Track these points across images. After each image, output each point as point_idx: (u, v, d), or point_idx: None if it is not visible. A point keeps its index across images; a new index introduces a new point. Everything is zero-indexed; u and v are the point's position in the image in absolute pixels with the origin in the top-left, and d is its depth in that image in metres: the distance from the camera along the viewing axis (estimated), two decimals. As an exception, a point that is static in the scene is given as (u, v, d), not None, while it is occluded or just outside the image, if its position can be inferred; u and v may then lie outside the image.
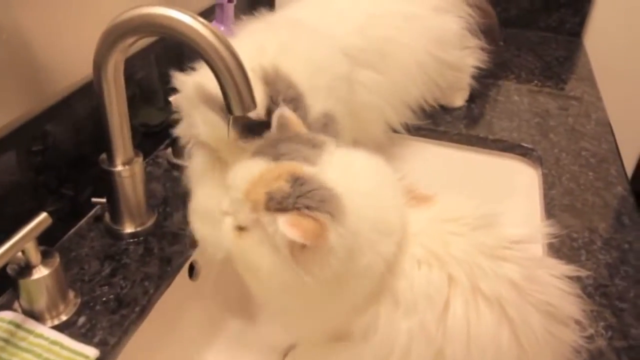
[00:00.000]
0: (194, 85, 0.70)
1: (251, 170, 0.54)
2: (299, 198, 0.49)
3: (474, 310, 0.51)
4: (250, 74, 0.61)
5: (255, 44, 0.72)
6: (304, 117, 0.68)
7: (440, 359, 0.52)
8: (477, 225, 0.54)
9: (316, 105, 0.71)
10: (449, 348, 0.51)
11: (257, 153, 0.56)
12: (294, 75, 0.70)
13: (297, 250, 0.50)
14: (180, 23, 0.58)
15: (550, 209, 0.84)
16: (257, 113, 0.66)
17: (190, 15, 0.58)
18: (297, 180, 0.50)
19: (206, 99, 0.68)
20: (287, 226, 0.48)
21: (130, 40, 0.62)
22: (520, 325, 0.51)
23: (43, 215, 0.60)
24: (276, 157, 0.54)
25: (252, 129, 0.67)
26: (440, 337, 0.52)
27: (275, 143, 0.57)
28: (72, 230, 0.75)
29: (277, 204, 0.50)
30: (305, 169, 0.52)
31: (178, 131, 0.75)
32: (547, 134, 1.02)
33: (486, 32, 1.09)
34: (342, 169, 0.54)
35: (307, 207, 0.49)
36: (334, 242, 0.49)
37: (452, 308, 0.51)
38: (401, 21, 0.93)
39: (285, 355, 0.80)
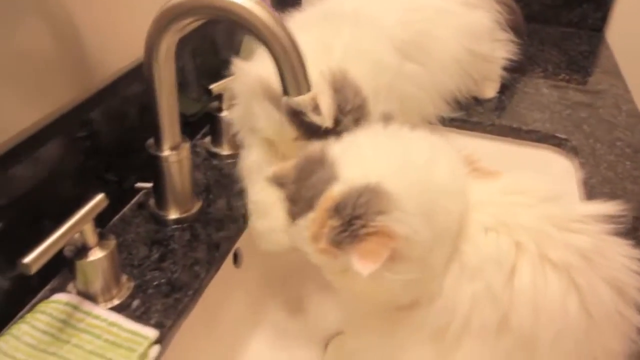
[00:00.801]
0: (257, 78, 0.69)
1: (302, 234, 0.54)
2: (350, 225, 0.50)
3: (541, 277, 0.51)
4: (320, 79, 0.61)
5: (319, 43, 0.71)
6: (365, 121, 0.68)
7: (504, 326, 0.52)
8: (546, 198, 0.55)
9: (377, 108, 0.71)
10: (514, 315, 0.52)
11: (294, 215, 0.55)
12: (360, 79, 0.70)
13: (386, 265, 0.50)
14: (236, 5, 0.58)
15: (592, 197, 0.84)
16: (325, 122, 0.66)
17: (248, -3, 0.58)
18: (336, 210, 0.51)
19: (272, 96, 0.68)
20: (360, 266, 0.48)
21: (184, 22, 0.62)
22: (590, 296, 0.51)
23: (100, 196, 0.60)
24: (310, 205, 0.53)
25: (315, 130, 0.67)
26: (506, 303, 0.52)
27: (297, 193, 0.55)
28: (117, 217, 0.76)
29: (340, 242, 0.50)
30: (335, 191, 0.52)
31: (233, 116, 0.75)
32: (580, 125, 1.03)
33: (512, 28, 1.10)
34: (363, 161, 0.54)
35: (363, 227, 0.49)
36: (402, 228, 0.49)
37: (519, 274, 0.52)
38: (435, 14, 0.94)
39: (327, 343, 0.80)
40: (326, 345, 0.81)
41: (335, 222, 0.50)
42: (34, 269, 0.52)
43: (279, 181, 0.58)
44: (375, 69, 0.73)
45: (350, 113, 0.67)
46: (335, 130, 0.66)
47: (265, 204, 0.70)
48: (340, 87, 0.68)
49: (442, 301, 0.54)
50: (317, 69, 0.61)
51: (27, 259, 0.52)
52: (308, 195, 0.53)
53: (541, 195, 0.55)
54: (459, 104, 1.02)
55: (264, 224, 0.71)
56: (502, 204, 0.55)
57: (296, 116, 0.67)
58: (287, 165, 0.57)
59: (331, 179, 0.53)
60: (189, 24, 0.62)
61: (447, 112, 0.99)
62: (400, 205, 0.50)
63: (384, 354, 0.59)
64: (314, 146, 0.58)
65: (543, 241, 0.52)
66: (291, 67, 0.59)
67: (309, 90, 0.61)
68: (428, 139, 0.59)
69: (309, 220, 0.53)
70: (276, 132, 0.70)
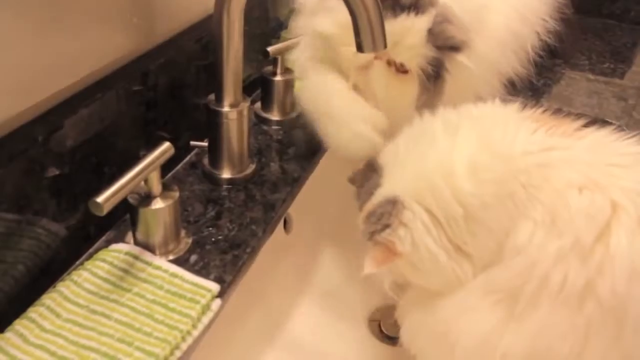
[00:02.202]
0: None
1: None
2: (369, 230, 0.57)
3: (639, 242, 0.49)
4: None
5: None
6: None
7: (590, 292, 0.49)
8: None
9: None
10: (604, 279, 0.49)
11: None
12: None
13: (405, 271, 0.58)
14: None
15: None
16: None
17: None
18: (367, 217, 0.58)
19: None
20: (365, 265, 0.56)
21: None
22: None
23: (166, 144, 0.59)
24: (362, 207, 0.61)
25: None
26: (596, 264, 0.49)
27: (359, 194, 0.63)
28: (170, 174, 0.75)
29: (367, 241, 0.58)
30: (372, 200, 0.59)
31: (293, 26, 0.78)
32: (629, 112, 1.02)
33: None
34: (399, 169, 0.59)
35: (373, 234, 0.57)
36: (404, 245, 0.55)
37: (614, 234, 0.49)
38: None
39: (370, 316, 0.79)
40: (370, 319, 0.81)
41: (364, 227, 0.58)
42: (105, 209, 0.51)
43: (352, 182, 0.65)
44: None
45: None
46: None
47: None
48: None
49: (521, 260, 0.52)
50: None
51: (100, 198, 0.51)
52: (363, 198, 0.61)
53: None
54: (514, 86, 1.00)
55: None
56: (595, 163, 0.53)
57: None
58: (357, 170, 0.65)
59: (377, 186, 0.60)
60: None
61: (503, 94, 0.97)
62: (410, 221, 0.55)
63: (449, 317, 0.58)
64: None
65: None
66: (369, 22, 0.58)
67: (385, 47, 0.60)
68: (473, 136, 0.57)
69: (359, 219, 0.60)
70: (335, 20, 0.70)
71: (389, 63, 0.71)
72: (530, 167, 0.54)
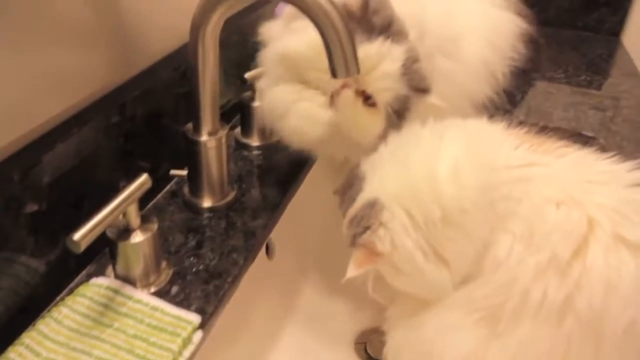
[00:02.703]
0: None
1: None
2: (351, 233, 0.59)
3: (615, 257, 0.50)
4: None
5: None
6: (403, 29, 0.67)
7: (569, 307, 0.50)
8: (630, 183, 0.54)
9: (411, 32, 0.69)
10: (582, 294, 0.50)
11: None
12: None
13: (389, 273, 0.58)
14: (288, -16, 0.58)
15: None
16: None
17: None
18: (350, 222, 0.60)
19: (295, 15, 0.68)
20: (348, 268, 0.57)
21: (232, 1, 0.61)
22: None
23: (144, 176, 0.59)
24: (345, 213, 0.62)
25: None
26: (574, 280, 0.50)
27: (342, 202, 0.64)
28: (150, 204, 0.75)
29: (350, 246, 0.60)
30: (355, 205, 0.60)
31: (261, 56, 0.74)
32: (606, 124, 1.03)
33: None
34: (380, 173, 0.60)
35: (355, 237, 0.58)
36: (384, 245, 0.56)
37: (590, 250, 0.50)
38: (468, 17, 0.93)
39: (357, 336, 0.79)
40: (355, 342, 0.81)
41: (347, 232, 0.60)
42: (83, 246, 0.51)
43: (337, 192, 0.66)
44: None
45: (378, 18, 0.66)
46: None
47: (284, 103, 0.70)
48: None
49: (501, 274, 0.53)
50: None
51: (77, 236, 0.51)
52: (345, 205, 0.62)
53: (623, 180, 0.55)
54: (487, 111, 1.01)
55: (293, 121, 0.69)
56: (574, 179, 0.54)
57: None
58: (341, 180, 0.66)
59: (359, 191, 0.60)
60: (235, 5, 0.62)
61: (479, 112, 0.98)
62: (389, 221, 0.56)
63: (433, 335, 0.58)
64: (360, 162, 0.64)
65: (619, 222, 0.51)
66: (341, 48, 0.59)
67: (357, 72, 0.61)
68: (456, 142, 0.59)
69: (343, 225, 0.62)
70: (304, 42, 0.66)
71: (357, 93, 0.67)
72: (511, 181, 0.55)
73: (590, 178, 0.55)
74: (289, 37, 0.69)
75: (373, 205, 0.57)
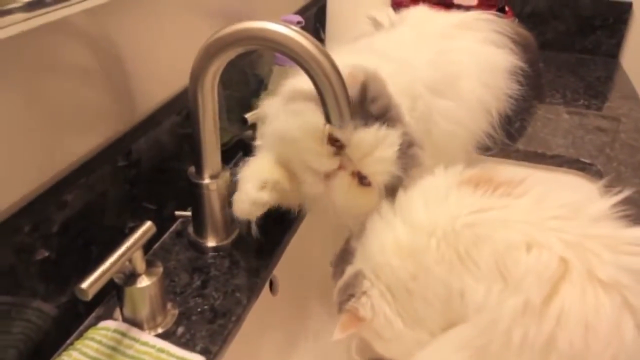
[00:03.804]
0: (291, 87, 0.73)
1: None
2: (339, 300, 0.66)
3: (591, 296, 0.51)
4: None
5: (345, 67, 0.67)
6: (400, 114, 0.69)
7: (551, 346, 0.52)
8: (594, 217, 0.55)
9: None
10: (562, 334, 0.51)
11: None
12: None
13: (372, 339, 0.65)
14: (282, 35, 0.61)
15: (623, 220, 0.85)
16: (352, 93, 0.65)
17: (291, 28, 0.61)
18: (339, 290, 0.67)
19: (294, 95, 0.70)
20: (335, 332, 0.63)
21: (231, 52, 0.64)
22: None
23: (148, 223, 0.62)
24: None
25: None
26: (552, 320, 0.52)
27: (335, 274, 0.71)
28: (157, 245, 0.77)
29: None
30: (344, 276, 0.67)
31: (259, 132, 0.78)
32: (602, 149, 1.05)
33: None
34: (365, 246, 0.66)
35: (342, 304, 0.65)
36: (366, 312, 0.63)
37: (564, 290, 0.52)
38: (463, 55, 0.96)
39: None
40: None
41: (336, 300, 0.67)
42: (91, 294, 0.54)
43: (332, 265, 0.72)
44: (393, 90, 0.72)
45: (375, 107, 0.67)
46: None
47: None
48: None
49: (484, 316, 0.55)
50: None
51: (85, 284, 0.53)
52: (337, 275, 0.69)
53: (587, 213, 0.56)
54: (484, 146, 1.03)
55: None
56: (536, 219, 0.56)
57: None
58: (335, 253, 0.73)
59: (348, 263, 0.68)
60: (235, 54, 0.65)
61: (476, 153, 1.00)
62: (369, 290, 0.63)
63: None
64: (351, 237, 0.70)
65: (590, 260, 0.53)
66: (334, 96, 0.61)
67: (350, 120, 0.63)
68: (424, 214, 0.63)
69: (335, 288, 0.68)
70: (302, 124, 0.67)
71: (353, 175, 0.67)
72: (458, 228, 0.58)
73: (553, 214, 0.56)
74: (285, 119, 0.70)
75: (357, 276, 0.64)
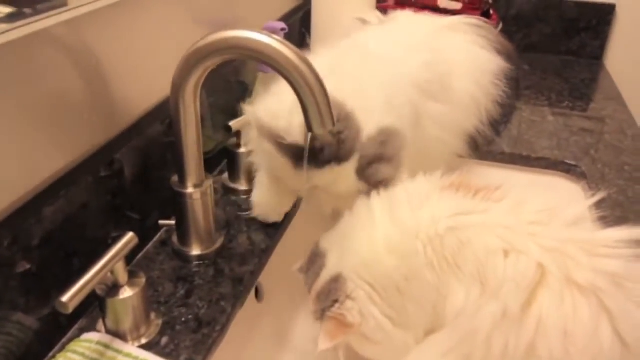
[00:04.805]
0: (252, 116, 0.75)
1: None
2: (319, 308, 0.64)
3: (568, 301, 0.51)
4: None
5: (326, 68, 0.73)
6: (355, 137, 0.71)
7: (532, 354, 0.52)
8: (570, 221, 0.56)
9: (370, 122, 0.73)
10: (542, 341, 0.51)
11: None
12: (340, 94, 0.72)
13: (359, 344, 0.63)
14: (262, 44, 0.61)
15: (604, 222, 0.86)
16: (296, 139, 0.69)
17: (272, 37, 0.61)
18: (317, 297, 0.65)
19: (260, 129, 0.73)
20: (319, 342, 0.61)
21: (212, 62, 0.64)
22: (622, 322, 0.51)
23: (130, 234, 0.62)
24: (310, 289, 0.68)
25: (300, 156, 0.70)
26: (532, 328, 0.52)
27: (306, 279, 0.69)
28: (141, 254, 0.77)
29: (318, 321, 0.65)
30: (319, 281, 0.65)
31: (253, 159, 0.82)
32: (587, 151, 1.05)
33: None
34: (339, 249, 0.65)
35: (324, 312, 0.62)
36: (353, 316, 0.60)
37: (542, 297, 0.52)
38: (455, 54, 0.97)
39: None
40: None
41: (315, 307, 0.65)
42: (71, 308, 0.53)
43: (301, 271, 0.70)
44: (357, 86, 0.76)
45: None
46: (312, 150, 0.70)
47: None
48: None
49: (463, 323, 0.55)
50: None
51: (65, 298, 0.53)
52: (310, 281, 0.67)
53: (563, 218, 0.57)
54: (475, 143, 1.04)
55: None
56: (518, 224, 0.56)
57: (282, 147, 0.71)
58: (304, 259, 0.71)
59: (322, 267, 0.65)
60: (215, 63, 0.65)
61: (466, 152, 1.01)
62: (354, 293, 0.61)
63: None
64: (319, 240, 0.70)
65: (567, 264, 0.53)
66: (316, 104, 0.61)
67: (332, 126, 0.63)
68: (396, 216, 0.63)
69: (309, 301, 0.67)
70: (270, 163, 0.77)
71: None
72: (442, 232, 0.58)
73: (530, 219, 0.57)
74: (261, 155, 0.79)
75: (337, 280, 0.62)
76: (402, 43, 0.91)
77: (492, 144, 1.06)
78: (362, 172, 0.71)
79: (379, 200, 0.65)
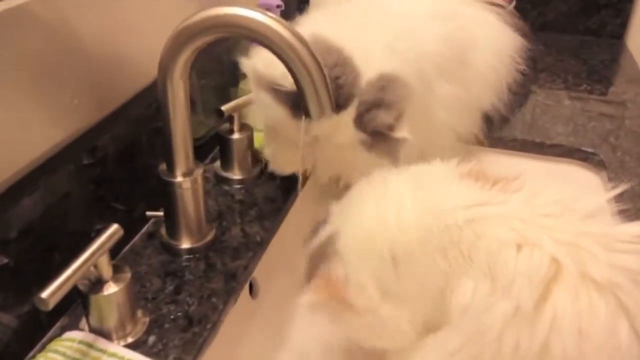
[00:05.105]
0: (249, 67, 0.78)
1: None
2: (310, 267, 0.65)
3: (584, 298, 0.51)
4: None
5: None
6: (352, 82, 0.74)
7: (546, 353, 0.52)
8: (587, 214, 0.55)
9: (370, 68, 0.75)
10: (556, 339, 0.51)
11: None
12: (338, 40, 0.75)
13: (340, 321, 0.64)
14: (257, 22, 0.60)
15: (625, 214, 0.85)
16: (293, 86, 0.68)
17: (266, 14, 0.60)
18: (309, 256, 0.66)
19: (257, 79, 0.76)
20: (306, 297, 0.63)
21: (202, 40, 0.64)
22: None
23: (115, 226, 0.62)
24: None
25: (298, 105, 0.69)
26: (545, 326, 0.51)
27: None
28: (126, 248, 0.77)
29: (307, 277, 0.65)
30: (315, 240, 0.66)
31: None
32: (606, 138, 1.05)
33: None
34: (345, 216, 0.65)
35: (313, 269, 0.63)
36: (339, 275, 0.61)
37: (556, 294, 0.52)
38: (472, 23, 0.97)
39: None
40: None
41: (307, 267, 0.65)
42: (51, 304, 0.53)
43: (306, 241, 0.69)
44: (356, 31, 0.79)
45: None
46: None
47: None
48: None
49: (470, 322, 0.54)
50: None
51: (45, 294, 0.53)
52: (309, 244, 0.67)
53: (579, 210, 0.56)
54: (490, 121, 1.04)
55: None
56: (532, 217, 0.56)
57: (279, 96, 0.74)
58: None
59: (321, 228, 0.66)
60: (205, 42, 0.64)
61: (480, 130, 1.01)
62: (345, 255, 0.61)
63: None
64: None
65: (584, 259, 0.52)
66: (313, 87, 0.61)
67: (332, 110, 0.63)
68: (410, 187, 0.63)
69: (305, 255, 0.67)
70: (269, 114, 0.79)
71: None
72: (461, 223, 0.57)
73: (545, 211, 0.56)
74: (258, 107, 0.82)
75: (331, 240, 0.63)
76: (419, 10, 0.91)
77: (506, 124, 1.06)
78: (360, 120, 0.74)
79: (396, 174, 0.64)
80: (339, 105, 0.72)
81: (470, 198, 0.59)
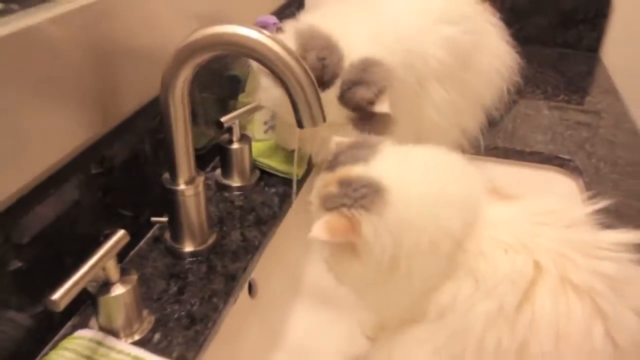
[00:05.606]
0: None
1: (318, 183, 0.62)
2: (342, 198, 0.56)
3: (563, 301, 0.52)
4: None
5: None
6: (337, 62, 0.78)
7: (524, 353, 0.53)
8: (569, 223, 0.56)
9: (353, 51, 0.79)
10: (535, 340, 0.52)
11: (326, 168, 0.63)
12: (327, 28, 0.80)
13: (338, 249, 0.58)
14: (252, 40, 0.61)
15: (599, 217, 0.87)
16: None
17: (262, 33, 0.62)
18: (343, 183, 0.57)
19: (260, 68, 0.75)
20: (313, 229, 0.55)
21: (201, 58, 0.65)
22: (616, 324, 0.52)
23: (121, 232, 0.63)
24: (332, 167, 0.62)
25: None
26: (525, 326, 0.52)
27: (337, 155, 0.63)
28: (133, 252, 0.78)
29: (323, 203, 0.58)
30: (355, 170, 0.58)
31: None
32: (582, 145, 1.06)
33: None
34: (394, 162, 0.60)
35: (344, 205, 0.55)
36: (369, 232, 0.55)
37: (537, 296, 0.53)
38: (477, 25, 0.98)
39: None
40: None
41: (333, 190, 0.57)
42: (62, 306, 0.54)
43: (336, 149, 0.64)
44: (342, 19, 0.84)
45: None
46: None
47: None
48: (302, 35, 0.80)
49: (456, 316, 0.55)
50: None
51: (56, 296, 0.54)
52: (342, 160, 0.61)
53: (565, 219, 0.57)
54: (490, 120, 1.05)
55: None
56: (523, 224, 0.57)
57: None
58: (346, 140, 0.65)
59: (364, 160, 0.59)
60: (205, 59, 0.65)
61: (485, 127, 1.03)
62: (385, 214, 0.55)
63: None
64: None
65: (565, 264, 0.53)
66: (305, 100, 0.62)
67: (324, 120, 0.64)
68: (434, 157, 0.63)
69: (325, 177, 0.61)
70: (269, 98, 0.85)
71: None
72: (465, 228, 0.57)
73: (537, 220, 0.57)
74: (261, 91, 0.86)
75: (380, 192, 0.55)
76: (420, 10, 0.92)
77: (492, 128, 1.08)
78: (343, 96, 0.79)
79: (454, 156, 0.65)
80: (324, 84, 0.78)
81: (497, 218, 0.59)
